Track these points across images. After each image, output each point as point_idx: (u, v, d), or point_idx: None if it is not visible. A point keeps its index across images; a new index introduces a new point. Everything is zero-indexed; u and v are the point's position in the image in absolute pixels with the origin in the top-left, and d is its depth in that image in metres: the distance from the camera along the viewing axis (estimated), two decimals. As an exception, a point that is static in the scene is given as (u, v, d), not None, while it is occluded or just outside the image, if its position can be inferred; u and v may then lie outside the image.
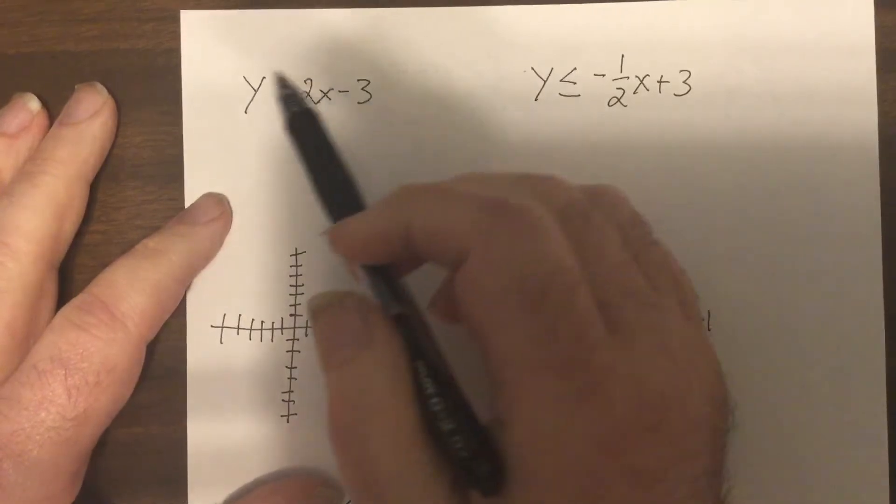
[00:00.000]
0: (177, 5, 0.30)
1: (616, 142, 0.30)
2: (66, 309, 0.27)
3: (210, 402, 0.29)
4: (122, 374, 0.27)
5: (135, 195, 0.30)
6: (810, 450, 0.29)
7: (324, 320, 0.23)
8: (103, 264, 0.28)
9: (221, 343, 0.29)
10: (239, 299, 0.30)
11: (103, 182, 0.30)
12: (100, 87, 0.30)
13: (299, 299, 0.30)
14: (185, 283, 0.29)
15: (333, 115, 0.30)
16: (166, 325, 0.29)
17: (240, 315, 0.30)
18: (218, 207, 0.29)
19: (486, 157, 0.30)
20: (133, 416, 0.29)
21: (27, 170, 0.28)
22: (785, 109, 0.30)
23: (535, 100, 0.30)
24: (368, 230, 0.23)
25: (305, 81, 0.30)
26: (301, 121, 0.25)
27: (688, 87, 0.30)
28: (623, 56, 0.30)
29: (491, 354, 0.21)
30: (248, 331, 0.30)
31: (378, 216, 0.23)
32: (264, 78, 0.30)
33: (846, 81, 0.30)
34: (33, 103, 0.29)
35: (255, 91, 0.30)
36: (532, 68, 0.30)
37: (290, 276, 0.30)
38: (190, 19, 0.30)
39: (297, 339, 0.30)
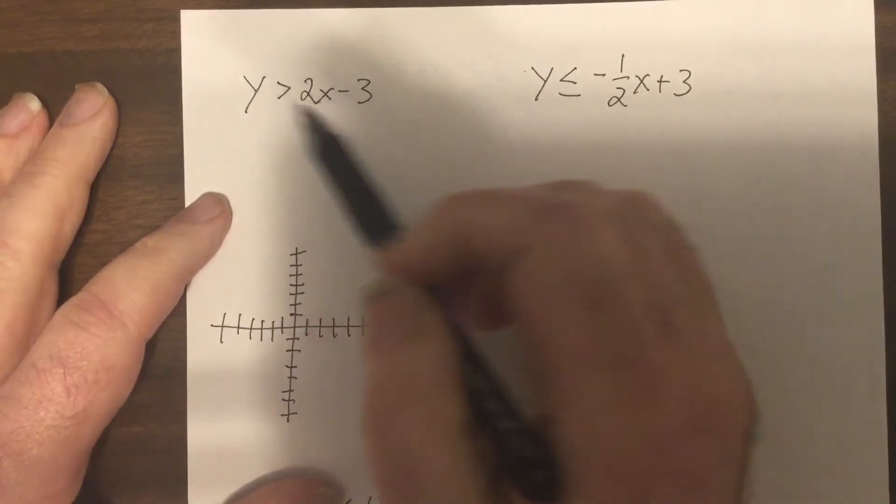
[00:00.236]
0: (177, 5, 0.30)
1: (616, 142, 0.30)
2: (65, 307, 0.27)
3: (210, 401, 0.29)
4: (122, 372, 0.27)
5: (135, 195, 0.30)
6: (810, 450, 0.29)
7: (379, 305, 0.23)
8: (103, 264, 0.28)
9: (221, 342, 0.30)
10: (239, 299, 0.30)
11: (103, 182, 0.30)
12: (100, 87, 0.30)
13: (299, 299, 0.30)
14: (184, 282, 0.29)
15: (333, 115, 0.30)
16: (166, 324, 0.29)
17: (240, 314, 0.30)
18: (218, 206, 0.29)
19: (486, 157, 0.30)
20: (133, 416, 0.29)
21: (27, 170, 0.28)
22: (785, 109, 0.30)
23: (535, 100, 0.30)
24: (422, 242, 0.23)
25: (305, 81, 0.30)
26: (329, 146, 0.25)
27: (688, 87, 0.30)
28: (623, 56, 0.30)
29: (545, 350, 0.21)
30: (249, 330, 0.30)
31: (429, 226, 0.23)
32: (264, 78, 0.30)
33: (846, 81, 0.30)
34: (33, 103, 0.29)
35: (256, 91, 0.30)
36: (532, 68, 0.30)
37: (290, 275, 0.30)
38: (190, 19, 0.30)
39: (297, 339, 0.30)
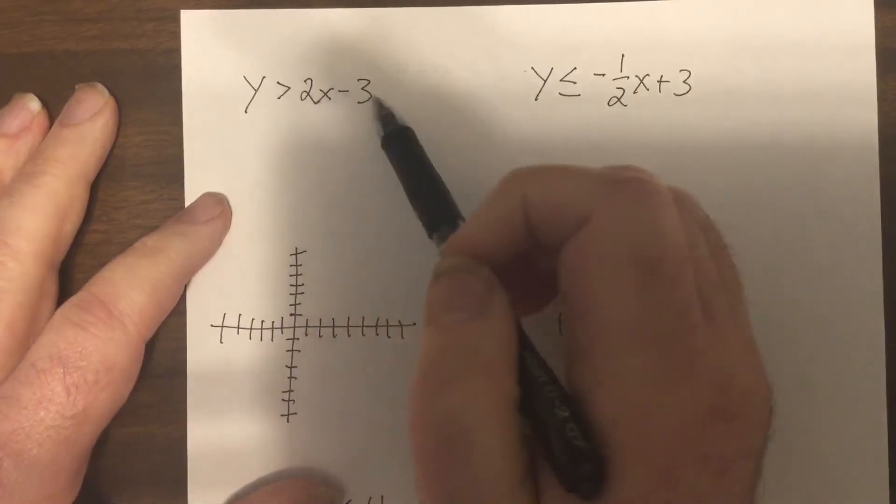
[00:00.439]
0: (177, 5, 0.30)
1: (616, 142, 0.30)
2: (65, 307, 0.27)
3: (210, 401, 0.29)
4: (121, 372, 0.27)
5: (135, 195, 0.30)
6: (810, 450, 0.29)
7: (448, 280, 0.23)
8: (103, 264, 0.28)
9: (221, 343, 0.30)
10: (239, 299, 0.30)
11: (103, 182, 0.30)
12: (101, 87, 0.30)
13: (299, 299, 0.30)
14: (183, 282, 0.29)
15: (333, 115, 0.30)
16: (166, 324, 0.29)
17: (240, 315, 0.30)
18: (217, 206, 0.29)
19: (487, 157, 0.30)
20: (133, 416, 0.29)
21: (28, 170, 0.28)
22: (785, 109, 0.30)
23: (535, 100, 0.30)
24: (489, 217, 0.23)
25: (305, 81, 0.30)
26: (398, 137, 0.28)
27: (688, 87, 0.30)
28: (623, 56, 0.30)
29: (591, 321, 0.21)
30: (248, 330, 0.30)
31: (494, 201, 0.23)
32: (264, 78, 0.30)
33: (846, 81, 0.30)
34: (34, 103, 0.29)
35: (255, 91, 0.30)
36: (532, 68, 0.30)
37: (290, 275, 0.30)
38: (190, 19, 0.30)
39: (297, 339, 0.30)
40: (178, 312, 0.29)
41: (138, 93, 0.30)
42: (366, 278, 0.30)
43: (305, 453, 0.29)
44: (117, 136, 0.30)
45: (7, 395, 0.25)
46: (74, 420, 0.25)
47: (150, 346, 0.29)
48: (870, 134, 0.30)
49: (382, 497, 0.29)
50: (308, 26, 0.30)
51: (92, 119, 0.29)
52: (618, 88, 0.30)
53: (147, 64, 0.30)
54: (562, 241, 0.22)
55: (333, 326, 0.30)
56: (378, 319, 0.29)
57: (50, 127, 0.29)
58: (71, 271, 0.30)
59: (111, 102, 0.29)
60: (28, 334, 0.27)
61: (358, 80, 0.30)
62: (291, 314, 0.30)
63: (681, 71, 0.30)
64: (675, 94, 0.30)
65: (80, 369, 0.25)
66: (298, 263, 0.30)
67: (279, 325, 0.30)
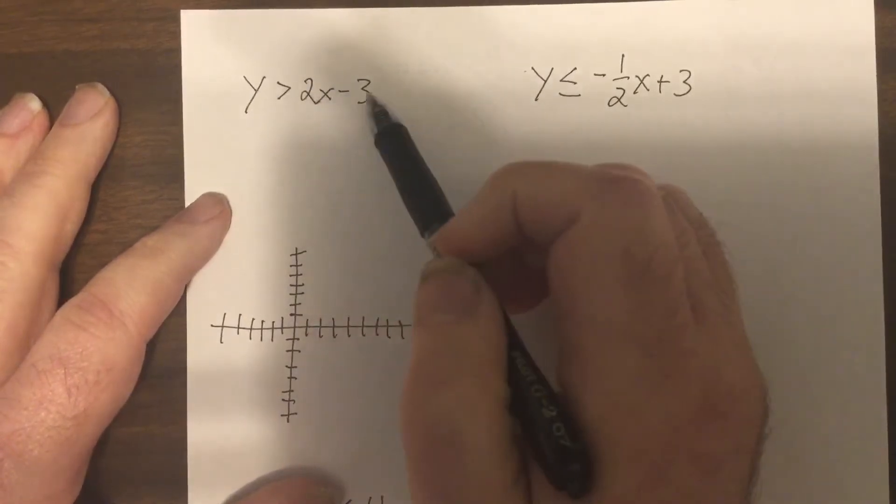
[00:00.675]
0: (177, 5, 0.30)
1: (616, 142, 0.30)
2: (66, 308, 0.26)
3: (210, 401, 0.29)
4: (122, 372, 0.27)
5: (135, 195, 0.30)
6: (810, 450, 0.29)
7: (436, 281, 0.23)
8: (103, 264, 0.28)
9: (221, 343, 0.30)
10: (239, 299, 0.30)
11: (104, 182, 0.30)
12: (101, 87, 0.30)
13: (299, 299, 0.30)
14: (183, 282, 0.29)
15: (333, 115, 0.30)
16: (166, 324, 0.29)
17: (240, 315, 0.30)
18: (217, 206, 0.29)
19: (487, 157, 0.30)
20: (133, 416, 0.29)
21: (28, 170, 0.28)
22: (785, 109, 0.30)
23: (535, 100, 0.30)
24: (477, 213, 0.23)
25: (305, 81, 0.30)
26: (391, 135, 0.28)
27: (688, 87, 0.30)
28: (623, 56, 0.30)
29: (580, 320, 0.21)
30: (248, 330, 0.30)
31: (483, 197, 0.23)
32: (264, 78, 0.30)
33: (846, 81, 0.30)
34: (34, 103, 0.29)
35: (256, 91, 0.30)
36: (532, 68, 0.30)
37: (290, 275, 0.30)
38: (190, 19, 0.30)
39: (297, 339, 0.30)
40: (178, 312, 0.29)
41: (138, 93, 0.30)
42: (366, 278, 0.30)
43: (305, 453, 0.29)
44: (118, 136, 0.30)
45: (8, 396, 0.25)
46: (75, 421, 0.25)
47: (150, 346, 0.29)
48: (870, 134, 0.30)
49: (382, 497, 0.29)
50: (308, 26, 0.30)
51: (92, 119, 0.29)
52: (618, 88, 0.30)
53: (147, 64, 0.30)
54: (551, 239, 0.22)
55: (333, 326, 0.30)
56: (378, 319, 0.30)
57: (50, 127, 0.29)
58: (71, 271, 0.30)
59: (111, 102, 0.29)
60: (29, 335, 0.27)
61: (358, 80, 0.30)
62: (291, 314, 0.30)
63: (681, 71, 0.30)
64: (675, 94, 0.30)
65: (81, 370, 0.25)
66: (298, 263, 0.30)
67: (279, 325, 0.30)
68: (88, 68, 0.30)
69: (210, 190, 0.30)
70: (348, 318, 0.30)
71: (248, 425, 0.29)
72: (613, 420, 0.20)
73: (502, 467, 0.20)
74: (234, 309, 0.30)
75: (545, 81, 0.30)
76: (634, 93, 0.30)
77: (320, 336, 0.30)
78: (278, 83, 0.30)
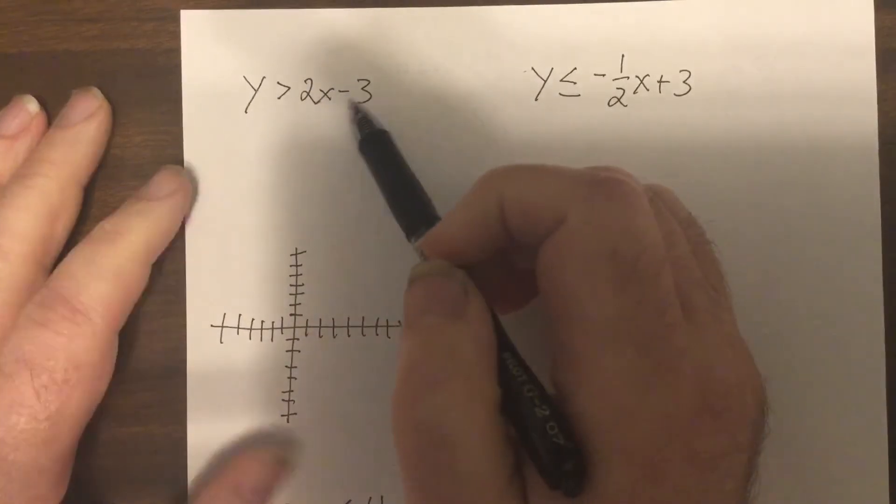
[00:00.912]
0: (177, 5, 0.30)
1: (616, 142, 0.30)
2: (28, 306, 0.26)
3: (210, 401, 0.29)
4: (92, 368, 0.26)
5: (135, 195, 0.30)
6: (810, 450, 0.29)
7: (424, 284, 0.23)
8: (103, 264, 0.28)
9: (221, 343, 0.29)
10: (239, 299, 0.30)
11: (103, 182, 0.30)
12: (95, 90, 0.29)
13: (299, 299, 0.30)
14: (147, 264, 0.28)
15: (333, 115, 0.30)
16: (166, 324, 0.29)
17: (240, 315, 0.30)
18: (176, 179, 0.28)
19: (487, 157, 0.30)
20: (133, 416, 0.29)
21: (21, 172, 0.28)
22: (785, 109, 0.30)
23: (535, 100, 0.30)
24: (464, 217, 0.23)
25: (305, 81, 0.30)
26: (374, 140, 0.28)
27: (688, 87, 0.30)
28: (623, 56, 0.30)
29: (570, 322, 0.21)
30: (248, 330, 0.30)
31: (470, 201, 0.23)
32: (264, 78, 0.30)
33: (846, 81, 0.30)
34: (32, 105, 0.29)
35: (255, 91, 0.30)
36: (532, 68, 0.30)
37: (290, 276, 0.30)
38: (190, 19, 0.30)
39: (297, 339, 0.30)
40: (178, 312, 0.29)
41: (138, 93, 0.30)
42: (366, 278, 0.30)
43: (305, 453, 0.29)
44: (118, 135, 0.30)
45: None
46: (49, 421, 0.25)
47: (150, 347, 0.29)
48: (870, 134, 0.30)
49: (382, 497, 0.29)
50: (308, 26, 0.30)
51: (86, 121, 0.29)
52: (618, 89, 0.30)
53: (147, 64, 0.30)
54: (538, 241, 0.22)
55: (333, 326, 0.30)
56: (378, 319, 0.29)
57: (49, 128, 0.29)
58: (71, 271, 0.30)
59: (105, 106, 0.29)
60: None
61: (358, 80, 0.30)
62: (291, 314, 0.30)
63: (681, 71, 0.30)
64: (675, 94, 0.30)
65: (48, 370, 0.25)
66: (298, 263, 0.30)
67: (279, 325, 0.30)
68: (88, 68, 0.30)
69: (209, 190, 0.30)
70: (348, 318, 0.30)
71: (248, 425, 0.29)
72: (608, 419, 0.20)
73: (496, 469, 0.20)
74: (234, 309, 0.30)
75: (545, 81, 0.30)
76: (634, 93, 0.30)
77: (320, 336, 0.30)
78: (278, 83, 0.30)
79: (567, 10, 0.30)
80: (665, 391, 0.20)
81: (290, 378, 0.29)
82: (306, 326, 0.30)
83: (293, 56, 0.30)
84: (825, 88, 0.30)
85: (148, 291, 0.29)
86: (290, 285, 0.30)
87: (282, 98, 0.30)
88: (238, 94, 0.30)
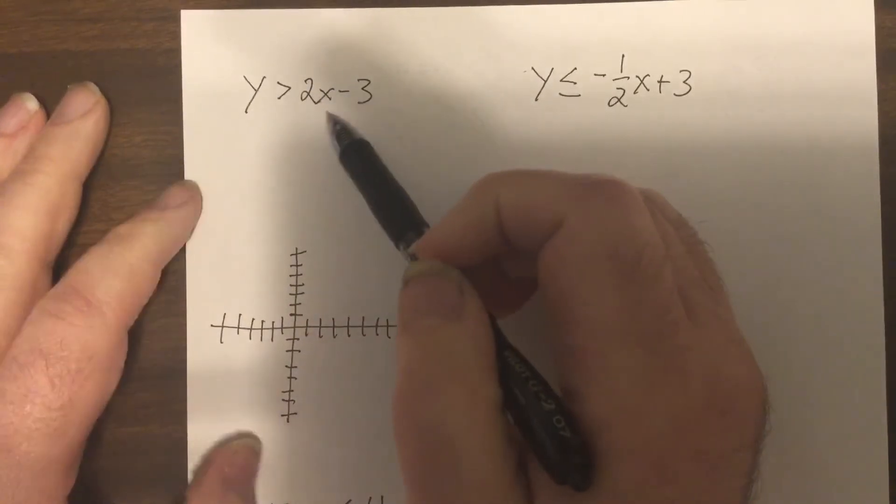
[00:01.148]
0: (177, 5, 0.30)
1: (616, 142, 0.30)
2: (43, 300, 0.26)
3: (210, 401, 0.29)
4: (104, 360, 0.27)
5: (135, 195, 0.30)
6: (810, 450, 0.29)
7: (419, 285, 0.23)
8: (103, 264, 0.28)
9: (221, 343, 0.29)
10: (239, 299, 0.30)
11: (103, 182, 0.30)
12: (92, 86, 0.30)
13: (299, 299, 0.30)
14: (159, 266, 0.29)
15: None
16: (166, 324, 0.29)
17: (240, 315, 0.30)
18: (187, 192, 0.29)
19: (487, 157, 0.30)
20: (133, 416, 0.29)
21: (20, 169, 0.28)
22: (785, 109, 0.30)
23: (535, 100, 0.30)
24: (461, 221, 0.23)
25: (305, 81, 0.30)
26: (355, 150, 0.28)
27: (688, 87, 0.30)
28: (623, 56, 0.30)
29: (575, 324, 0.21)
30: (248, 330, 0.30)
31: (467, 205, 0.23)
32: (264, 78, 0.30)
33: (846, 81, 0.30)
34: (31, 103, 0.29)
35: (256, 91, 0.30)
36: (532, 68, 0.30)
37: (290, 275, 0.30)
38: (190, 19, 0.30)
39: (297, 339, 0.30)
40: (178, 313, 0.29)
41: (138, 93, 0.30)
42: (366, 278, 0.30)
43: (305, 453, 0.29)
44: (117, 135, 0.30)
45: None
46: (62, 411, 0.25)
47: (151, 346, 0.29)
48: (870, 134, 0.30)
49: (382, 497, 0.29)
50: (308, 26, 0.30)
51: (83, 117, 0.29)
52: (618, 89, 0.30)
53: (147, 64, 0.30)
54: (535, 246, 0.22)
55: (333, 326, 0.30)
56: (378, 319, 0.30)
57: (48, 127, 0.29)
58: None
59: (102, 101, 0.29)
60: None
61: (358, 80, 0.30)
62: (291, 314, 0.30)
63: (681, 71, 0.30)
64: (675, 94, 0.30)
65: (62, 360, 0.25)
66: (298, 263, 0.30)
67: (279, 325, 0.30)
68: (88, 68, 0.30)
69: (209, 190, 0.30)
70: (348, 318, 0.30)
71: (248, 425, 0.29)
72: (616, 418, 0.20)
73: (499, 470, 0.20)
74: (234, 309, 0.30)
75: (545, 81, 0.30)
76: (634, 93, 0.30)
77: (320, 336, 0.30)
78: (278, 83, 0.30)
79: (567, 10, 0.30)
80: (672, 390, 0.20)
81: (290, 378, 0.29)
82: (306, 326, 0.30)
83: (293, 56, 0.30)
84: (825, 88, 0.30)
85: (148, 291, 0.29)
86: (290, 285, 0.30)
87: (282, 98, 0.30)
88: (238, 94, 0.30)
